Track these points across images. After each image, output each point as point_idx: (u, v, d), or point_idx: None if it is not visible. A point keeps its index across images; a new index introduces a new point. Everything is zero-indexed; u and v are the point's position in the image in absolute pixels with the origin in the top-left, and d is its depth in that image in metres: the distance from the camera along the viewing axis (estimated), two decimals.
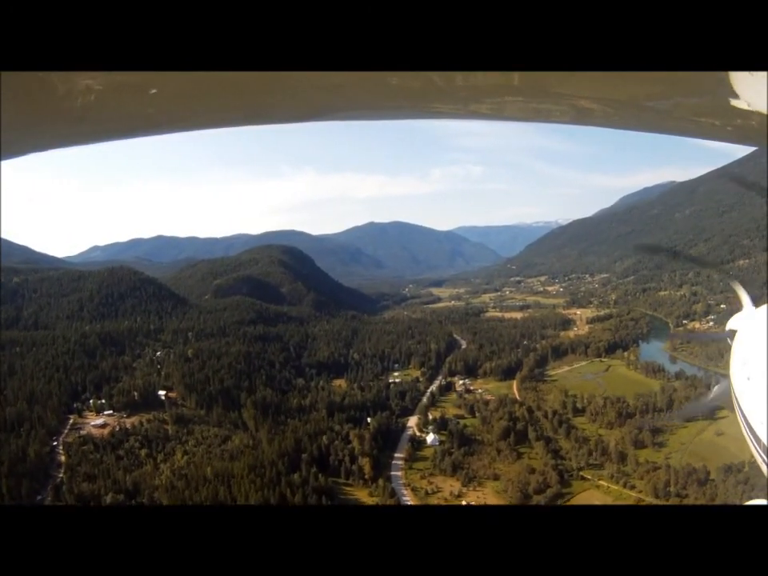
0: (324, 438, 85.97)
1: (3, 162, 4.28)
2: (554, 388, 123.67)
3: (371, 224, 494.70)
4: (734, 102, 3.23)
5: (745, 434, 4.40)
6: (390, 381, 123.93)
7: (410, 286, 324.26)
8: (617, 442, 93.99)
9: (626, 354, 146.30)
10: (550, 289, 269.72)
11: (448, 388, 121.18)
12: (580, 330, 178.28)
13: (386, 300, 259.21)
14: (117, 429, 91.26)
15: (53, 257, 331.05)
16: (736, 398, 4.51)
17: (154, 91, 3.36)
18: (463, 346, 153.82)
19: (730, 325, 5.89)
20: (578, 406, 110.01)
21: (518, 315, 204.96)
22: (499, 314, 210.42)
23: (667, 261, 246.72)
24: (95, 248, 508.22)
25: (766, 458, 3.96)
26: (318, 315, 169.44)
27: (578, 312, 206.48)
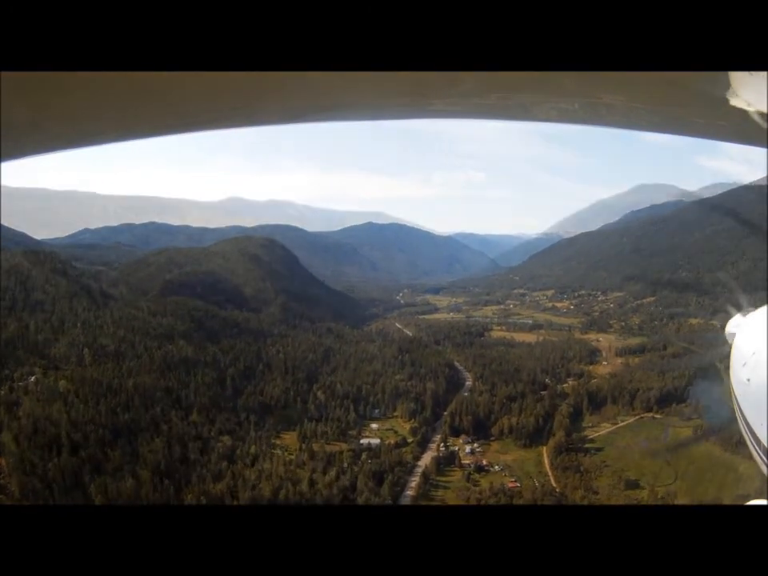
0: None
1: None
2: (603, 467, 78.35)
3: (369, 224, 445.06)
4: (733, 102, 3.08)
5: (744, 436, 4.08)
6: (364, 441, 78.05)
7: (405, 290, 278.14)
8: None
9: (684, 408, 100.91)
10: (559, 305, 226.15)
11: (450, 460, 75.48)
12: (611, 364, 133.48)
13: (376, 306, 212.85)
14: None
15: (28, 236, 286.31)
16: (736, 400, 4.15)
17: (153, 93, 3.23)
18: (468, 383, 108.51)
19: (729, 327, 5.04)
20: None
21: (531, 338, 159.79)
22: (508, 335, 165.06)
23: (691, 281, 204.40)
24: (85, 230, 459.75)
25: (766, 460, 3.72)
26: (282, 328, 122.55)
27: (601, 338, 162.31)
